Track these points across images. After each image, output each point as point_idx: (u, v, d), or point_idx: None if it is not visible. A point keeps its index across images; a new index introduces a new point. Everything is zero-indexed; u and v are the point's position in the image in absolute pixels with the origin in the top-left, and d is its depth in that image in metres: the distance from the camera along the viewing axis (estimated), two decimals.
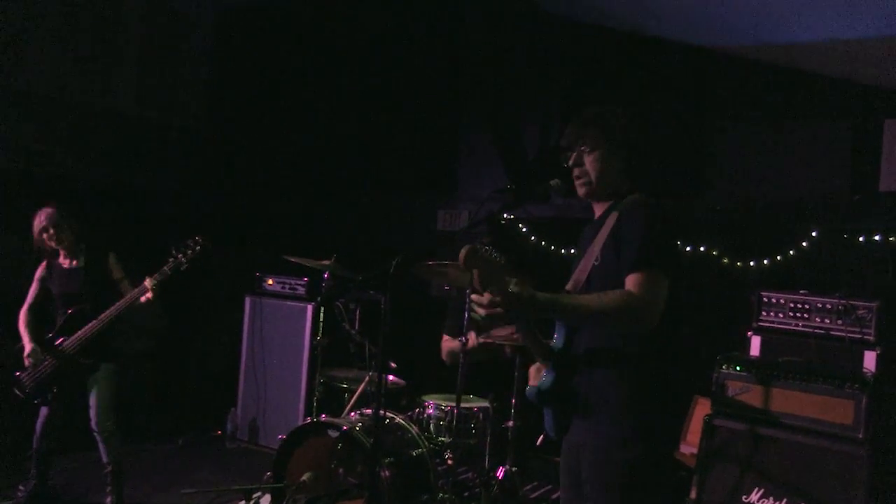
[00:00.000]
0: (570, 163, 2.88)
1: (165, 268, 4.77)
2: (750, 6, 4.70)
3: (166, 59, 7.30)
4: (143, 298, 4.70)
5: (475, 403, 4.60)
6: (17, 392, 4.86)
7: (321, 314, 5.40)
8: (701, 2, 4.90)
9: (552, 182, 2.90)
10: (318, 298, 5.51)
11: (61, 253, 4.99)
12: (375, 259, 3.63)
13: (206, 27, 7.53)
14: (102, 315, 4.78)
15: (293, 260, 5.11)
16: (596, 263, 2.77)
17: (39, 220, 4.89)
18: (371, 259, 4.06)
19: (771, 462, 3.97)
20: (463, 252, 2.49)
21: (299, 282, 6.37)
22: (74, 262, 4.97)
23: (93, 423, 4.87)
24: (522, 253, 5.81)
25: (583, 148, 2.86)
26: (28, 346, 4.85)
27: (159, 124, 7.26)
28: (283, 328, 6.39)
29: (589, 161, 2.85)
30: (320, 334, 5.35)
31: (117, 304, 4.76)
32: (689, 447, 4.66)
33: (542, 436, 2.98)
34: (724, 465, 4.09)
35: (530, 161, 6.00)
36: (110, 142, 6.84)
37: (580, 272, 2.82)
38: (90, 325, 4.80)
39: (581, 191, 2.90)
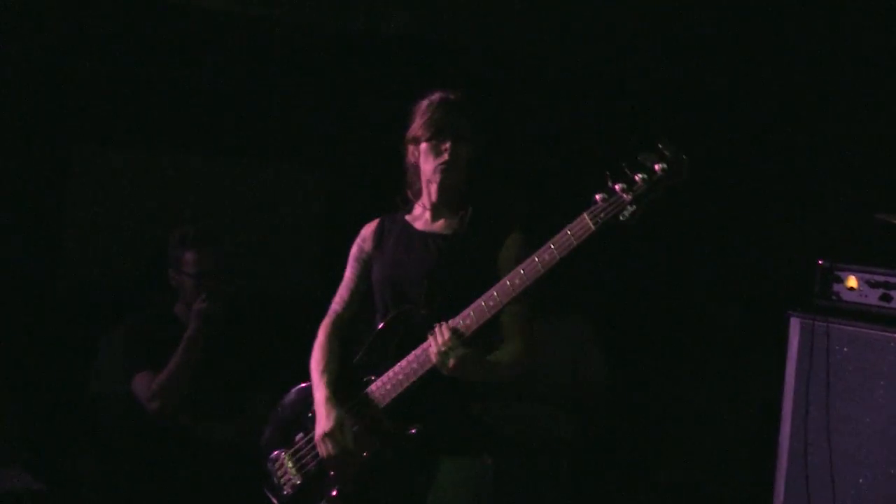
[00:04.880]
0: None
1: (596, 210, 2.22)
2: None
3: None
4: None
5: None
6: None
7: None
8: None
9: None
10: None
11: (424, 198, 2.60)
12: None
13: None
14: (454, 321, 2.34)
15: None
16: None
17: (426, 103, 2.57)
18: None
19: None
20: None
21: None
22: (441, 223, 2.55)
23: None
24: None
25: None
26: (326, 414, 2.48)
27: None
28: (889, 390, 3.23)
29: None
30: None
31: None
32: None
33: None
34: None
35: None
36: None
37: None
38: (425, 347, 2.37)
39: None
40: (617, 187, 2.19)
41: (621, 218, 2.20)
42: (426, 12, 4.44)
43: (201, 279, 3.38)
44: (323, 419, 2.47)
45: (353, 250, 2.71)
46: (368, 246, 2.66)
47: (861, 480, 3.33)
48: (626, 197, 2.18)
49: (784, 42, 4.71)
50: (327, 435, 2.45)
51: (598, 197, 2.23)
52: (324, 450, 2.47)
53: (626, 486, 4.63)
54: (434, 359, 2.32)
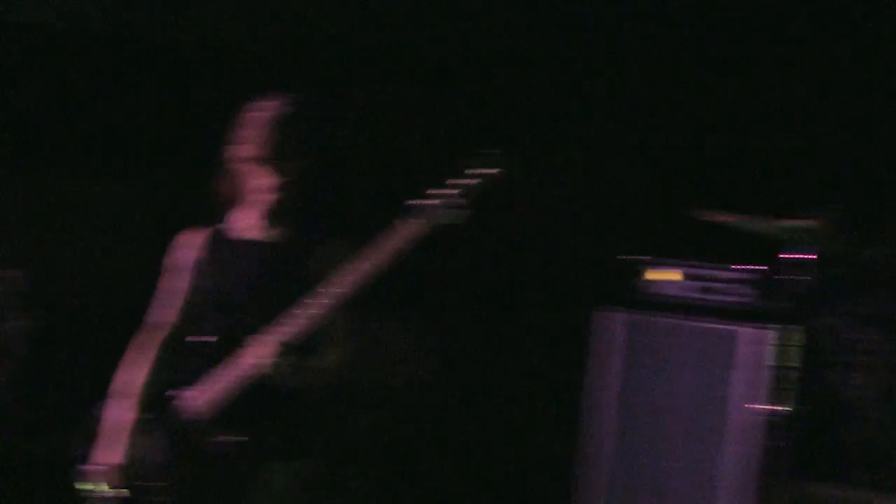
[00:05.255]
0: None
1: (420, 213, 2.26)
2: None
3: None
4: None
5: None
6: None
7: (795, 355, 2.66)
8: None
9: None
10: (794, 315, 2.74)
11: (247, 207, 2.47)
12: None
13: None
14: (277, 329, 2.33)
15: (718, 219, 2.88)
16: None
17: (261, 116, 2.46)
18: None
19: None
20: None
21: (737, 274, 3.32)
22: (263, 231, 2.39)
23: None
24: None
25: None
26: (112, 444, 2.39)
27: None
28: (693, 382, 3.42)
29: None
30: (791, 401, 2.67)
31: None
32: None
33: None
34: None
35: None
36: None
37: None
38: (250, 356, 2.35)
39: None
40: (441, 191, 2.21)
41: (447, 221, 2.24)
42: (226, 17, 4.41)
43: None
44: (108, 449, 2.38)
45: (175, 258, 2.58)
46: (190, 254, 2.55)
47: (662, 463, 3.54)
48: (451, 200, 2.21)
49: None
50: (117, 468, 2.35)
51: (421, 201, 2.24)
52: (114, 479, 2.37)
53: (451, 486, 4.77)
54: (257, 368, 2.27)
